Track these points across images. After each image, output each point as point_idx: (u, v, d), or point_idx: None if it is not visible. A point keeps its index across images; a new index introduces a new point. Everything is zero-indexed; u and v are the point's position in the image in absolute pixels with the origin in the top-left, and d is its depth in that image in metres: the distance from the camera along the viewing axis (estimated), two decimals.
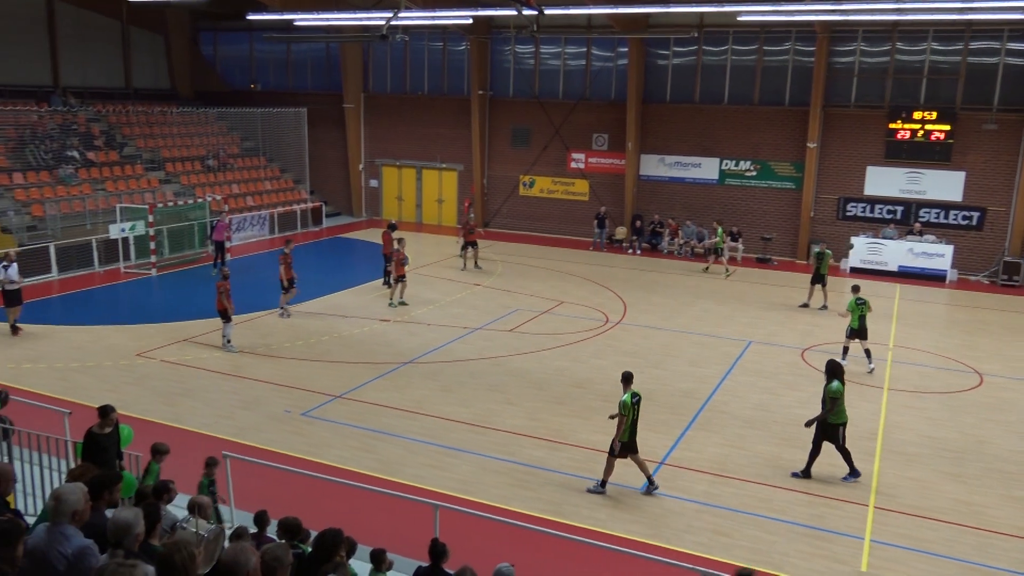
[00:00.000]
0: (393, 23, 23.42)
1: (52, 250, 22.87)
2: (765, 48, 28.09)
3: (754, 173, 28.77)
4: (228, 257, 24.93)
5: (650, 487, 11.30)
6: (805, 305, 21.77)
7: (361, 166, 35.08)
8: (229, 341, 16.94)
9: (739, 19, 24.43)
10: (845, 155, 27.44)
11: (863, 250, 26.50)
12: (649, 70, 29.74)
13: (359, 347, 17.54)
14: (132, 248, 24.61)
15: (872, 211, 27.38)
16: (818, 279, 21.60)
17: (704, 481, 11.70)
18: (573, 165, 31.47)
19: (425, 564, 7.62)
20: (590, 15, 28.57)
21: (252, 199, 31.57)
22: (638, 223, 29.86)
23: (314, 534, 6.80)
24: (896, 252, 26.09)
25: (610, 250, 29.50)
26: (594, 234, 29.93)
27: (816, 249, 21.94)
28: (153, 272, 23.96)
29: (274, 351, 17.04)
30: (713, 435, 13.35)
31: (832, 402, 11.63)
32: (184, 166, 31.04)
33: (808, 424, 11.98)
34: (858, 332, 16.91)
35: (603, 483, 11.28)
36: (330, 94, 34.74)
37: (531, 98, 31.57)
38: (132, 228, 24.37)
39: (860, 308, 16.91)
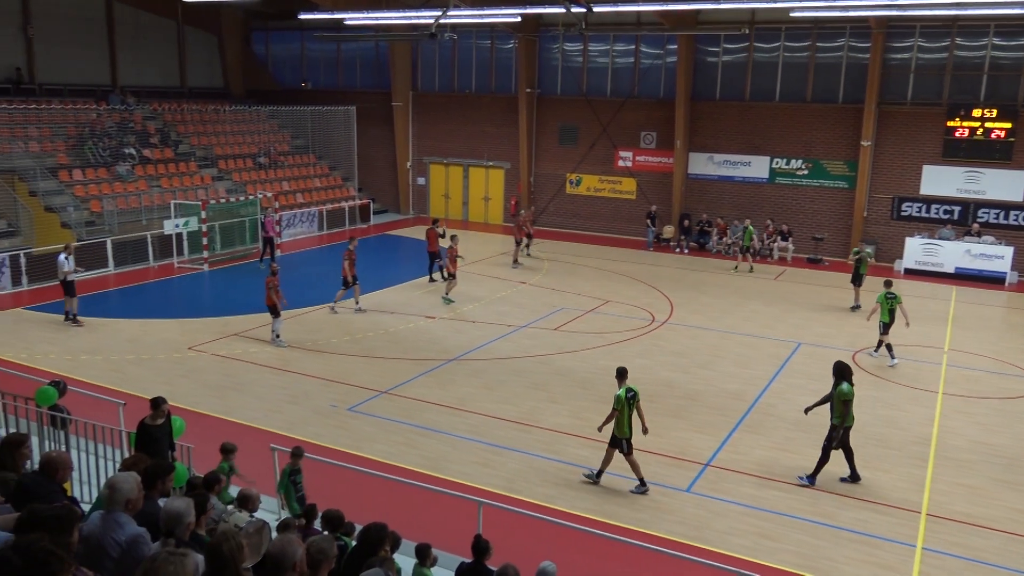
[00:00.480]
0: (442, 21, 23.53)
1: (109, 245, 23.50)
2: (818, 44, 27.59)
3: (805, 172, 28.29)
4: (278, 253, 25.35)
5: (594, 477, 11.42)
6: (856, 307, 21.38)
7: (409, 164, 35.35)
8: (278, 336, 17.21)
9: (792, 15, 24.00)
10: (900, 154, 26.82)
11: (918, 251, 25.88)
12: (699, 67, 29.43)
13: (404, 343, 17.68)
14: (185, 244, 25.18)
15: (928, 211, 26.72)
16: (856, 279, 21.34)
17: (750, 484, 11.54)
18: (620, 163, 31.29)
19: (468, 560, 7.66)
20: (639, 12, 28.34)
21: (302, 196, 32.03)
22: (686, 222, 29.59)
23: (359, 528, 6.89)
24: (953, 253, 25.41)
25: (657, 249, 29.26)
26: (649, 233, 29.59)
27: (856, 250, 21.73)
28: (205, 267, 24.46)
29: (321, 346, 17.26)
30: (760, 437, 13.17)
31: (844, 405, 11.30)
32: (236, 163, 31.62)
33: (830, 442, 11.51)
34: (889, 326, 16.95)
35: (641, 481, 11.24)
36: (379, 92, 35.06)
37: (579, 96, 31.47)
38: (185, 224, 24.90)
39: (890, 302, 16.96)
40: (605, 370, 16.04)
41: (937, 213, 26.59)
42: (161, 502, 5.90)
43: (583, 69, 31.48)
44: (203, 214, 24.69)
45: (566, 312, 20.34)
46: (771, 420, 13.90)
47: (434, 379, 15.49)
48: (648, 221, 29.46)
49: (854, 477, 11.61)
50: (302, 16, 28.41)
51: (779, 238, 27.87)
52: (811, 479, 11.52)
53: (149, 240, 24.56)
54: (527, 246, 26.92)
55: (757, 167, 28.96)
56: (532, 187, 33.01)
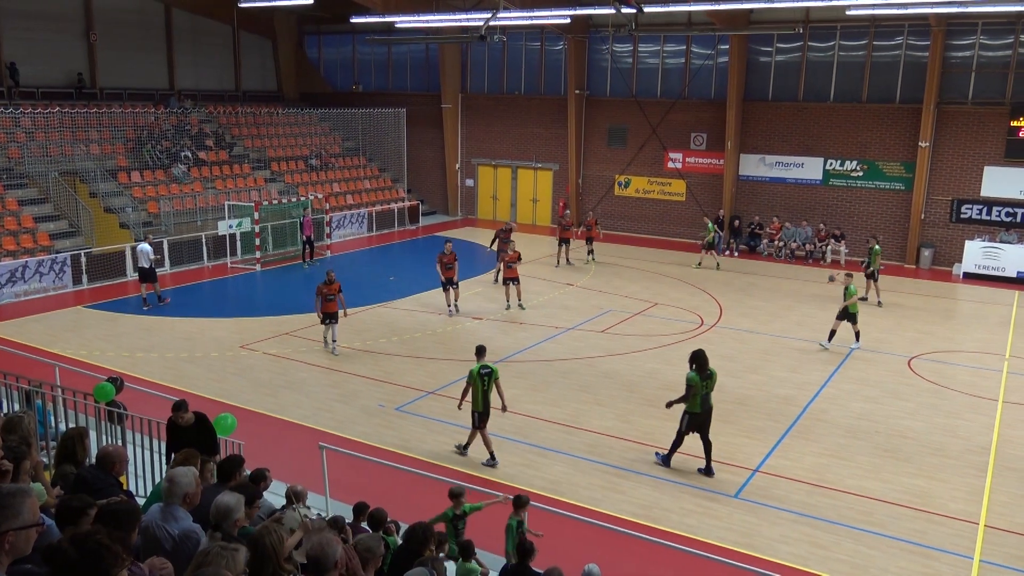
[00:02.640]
0: (491, 23, 23.60)
1: (165, 245, 24.04)
2: (875, 43, 27.00)
3: (860, 173, 27.69)
4: (328, 254, 25.57)
5: (462, 449, 12.19)
6: (864, 298, 21.28)
7: (458, 165, 35.52)
8: (333, 341, 16.81)
9: (848, 13, 23.53)
10: (960, 155, 26.08)
11: (978, 255, 25.15)
12: (751, 67, 29.03)
13: (451, 344, 17.75)
14: (238, 244, 25.64)
15: (989, 214, 25.92)
16: (871, 276, 21.58)
17: (801, 491, 11.32)
18: (670, 165, 31.01)
19: (512, 562, 7.65)
20: (690, 12, 28.07)
21: (352, 198, 32.42)
22: (736, 222, 29.20)
23: (404, 527, 6.93)
24: (1015, 257, 24.64)
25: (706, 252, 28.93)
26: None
27: (876, 247, 21.79)
28: (257, 268, 24.88)
29: (370, 347, 17.42)
30: (812, 443, 12.92)
31: (687, 390, 11.58)
32: (288, 165, 32.13)
33: (681, 426, 11.82)
34: (854, 316, 17.50)
35: (492, 455, 11.94)
36: (429, 95, 35.32)
37: (628, 97, 31.28)
38: (239, 225, 25.36)
39: (856, 292, 17.69)
40: (653, 373, 15.95)
41: (999, 216, 25.80)
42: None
43: (633, 70, 31.29)
44: (256, 215, 25.12)
45: (614, 314, 20.23)
46: (823, 426, 13.63)
47: None
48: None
49: (707, 471, 11.67)
50: (354, 20, 28.75)
51: (832, 241, 27.35)
52: (665, 459, 11.89)
53: (204, 240, 25.10)
54: (566, 250, 26.21)
55: (810, 169, 28.44)
56: (580, 189, 32.91)
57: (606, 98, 31.89)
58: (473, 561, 7.71)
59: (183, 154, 28.46)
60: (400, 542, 7.34)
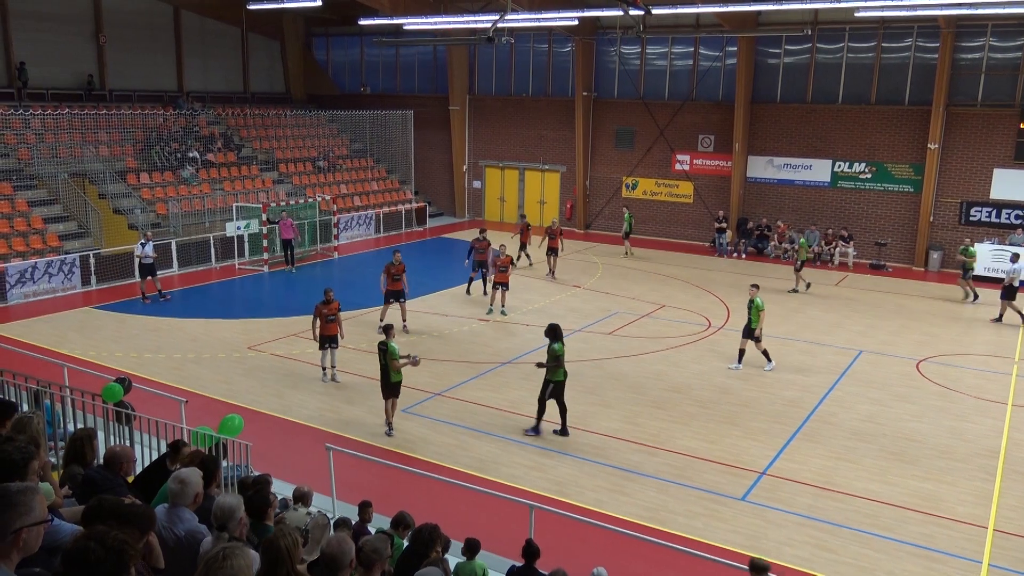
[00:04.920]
0: (499, 25, 23.62)
1: (173, 246, 24.13)
2: (884, 45, 26.91)
3: (869, 175, 27.59)
4: (335, 255, 25.49)
5: (388, 430, 12.93)
6: (794, 291, 23.13)
7: (465, 167, 35.55)
8: (332, 368, 15.37)
9: (857, 15, 23.46)
10: (970, 157, 25.97)
11: (987, 257, 25.01)
12: (759, 69, 28.97)
13: (458, 346, 17.76)
14: (246, 245, 25.70)
15: (998, 216, 25.81)
16: (798, 269, 23.24)
17: (808, 494, 11.29)
18: (678, 167, 30.97)
19: (518, 564, 7.65)
20: (698, 14, 28.04)
21: (359, 199, 32.47)
22: (750, 224, 29.14)
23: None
24: None
25: (712, 253, 28.87)
26: (717, 239, 29.04)
27: (802, 239, 24.06)
28: (265, 269, 24.94)
29: (376, 348, 17.37)
30: (818, 446, 12.88)
31: (555, 360, 12.56)
32: (296, 167, 32.20)
33: (543, 394, 12.83)
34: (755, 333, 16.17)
35: (388, 423, 12.99)
36: (436, 97, 35.35)
37: (636, 99, 31.25)
38: (247, 226, 25.42)
39: (763, 307, 16.15)
40: (660, 375, 15.93)
41: (1008, 218, 25.67)
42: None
43: (640, 72, 31.26)
44: (263, 217, 25.17)
45: (620, 316, 20.20)
46: (830, 429, 13.58)
47: (487, 382, 15.53)
48: (717, 227, 28.97)
49: (563, 432, 12.89)
50: (362, 22, 28.80)
51: (840, 242, 27.27)
52: (535, 430, 12.93)
53: (212, 242, 25.17)
54: (527, 255, 25.89)
55: (818, 171, 28.37)
56: (588, 190, 32.89)
57: (614, 100, 31.86)
58: (477, 560, 7.70)
59: (191, 155, 28.55)
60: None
